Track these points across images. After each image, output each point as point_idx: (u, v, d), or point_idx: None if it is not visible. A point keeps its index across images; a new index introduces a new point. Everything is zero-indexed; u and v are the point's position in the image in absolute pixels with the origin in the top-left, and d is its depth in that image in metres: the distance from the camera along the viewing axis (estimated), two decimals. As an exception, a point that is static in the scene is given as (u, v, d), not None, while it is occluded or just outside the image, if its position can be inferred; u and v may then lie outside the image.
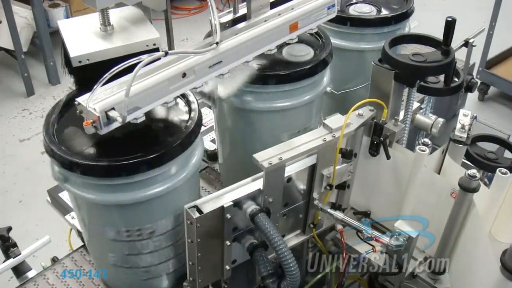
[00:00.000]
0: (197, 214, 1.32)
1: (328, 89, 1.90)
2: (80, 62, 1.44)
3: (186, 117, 1.48)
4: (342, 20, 1.95)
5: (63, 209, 1.97)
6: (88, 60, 1.44)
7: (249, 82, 1.61)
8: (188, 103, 1.51)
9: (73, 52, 1.44)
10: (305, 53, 1.73)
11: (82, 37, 1.51)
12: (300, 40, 1.75)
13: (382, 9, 2.10)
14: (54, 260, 1.86)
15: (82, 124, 1.24)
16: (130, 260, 1.54)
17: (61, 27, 1.54)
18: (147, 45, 1.48)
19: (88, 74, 1.46)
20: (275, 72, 1.64)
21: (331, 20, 1.77)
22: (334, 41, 1.94)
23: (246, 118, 1.75)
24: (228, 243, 1.39)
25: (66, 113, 1.49)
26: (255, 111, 1.70)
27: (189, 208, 1.33)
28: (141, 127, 1.38)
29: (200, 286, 1.44)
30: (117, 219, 1.45)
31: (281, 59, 1.71)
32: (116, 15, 1.56)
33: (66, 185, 1.40)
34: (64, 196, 2.00)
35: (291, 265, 1.28)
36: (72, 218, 1.91)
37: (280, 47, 1.72)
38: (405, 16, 2.04)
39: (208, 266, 1.43)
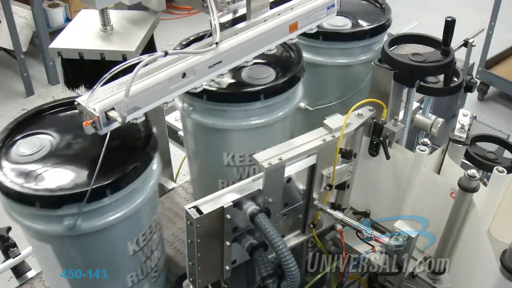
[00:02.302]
0: (197, 215, 1.31)
1: (303, 105, 1.82)
2: (59, 54, 1.47)
3: (141, 141, 1.44)
4: (314, 34, 1.80)
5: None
6: (61, 54, 1.46)
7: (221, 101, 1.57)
8: (144, 126, 1.47)
9: (53, 44, 1.46)
10: (267, 75, 1.65)
11: (79, 32, 1.52)
12: (261, 61, 1.68)
13: (359, 21, 1.99)
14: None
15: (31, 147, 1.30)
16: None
17: (78, 16, 1.56)
18: (122, 54, 1.49)
19: (80, 75, 1.48)
20: (245, 89, 1.59)
21: (303, 34, 1.70)
22: (307, 55, 1.87)
23: (218, 136, 1.70)
24: (228, 243, 1.39)
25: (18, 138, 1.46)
26: (227, 130, 1.66)
27: (189, 209, 1.33)
28: (95, 152, 1.35)
29: (200, 286, 1.44)
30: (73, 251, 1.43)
31: (243, 82, 1.63)
32: (122, 17, 1.57)
33: (14, 216, 1.39)
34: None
35: (291, 265, 1.28)
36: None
37: (239, 69, 1.64)
38: (381, 29, 1.95)
39: (208, 266, 1.43)
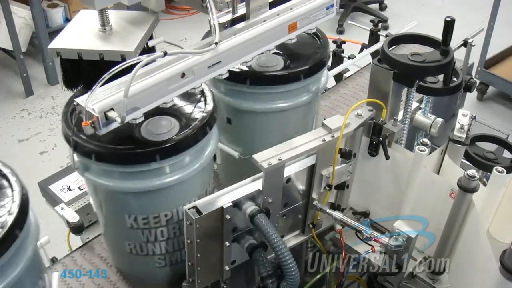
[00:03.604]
0: (197, 215, 1.31)
1: (236, 154, 1.70)
2: (58, 54, 1.44)
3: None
4: (239, 77, 1.60)
5: (53, 201, 1.94)
6: (60, 55, 1.44)
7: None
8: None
9: (52, 44, 1.45)
10: (167, 129, 1.41)
11: (78, 32, 1.51)
12: (165, 111, 1.45)
13: (292, 59, 1.71)
14: (53, 260, 1.86)
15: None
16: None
17: (77, 16, 1.55)
18: (121, 55, 1.42)
19: (78, 75, 1.48)
20: (137, 149, 1.35)
21: (228, 79, 1.52)
22: (235, 101, 1.68)
23: (116, 199, 1.50)
24: (227, 243, 1.39)
25: None
26: (124, 192, 1.45)
27: (188, 209, 1.33)
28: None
29: (199, 287, 1.44)
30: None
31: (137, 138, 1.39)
32: (122, 18, 1.56)
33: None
34: (54, 188, 1.98)
35: (290, 265, 1.28)
36: (62, 209, 1.85)
37: (139, 124, 1.37)
38: (316, 68, 1.69)
39: (207, 266, 1.43)
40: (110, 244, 1.72)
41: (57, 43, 1.46)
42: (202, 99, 1.51)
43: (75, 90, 1.54)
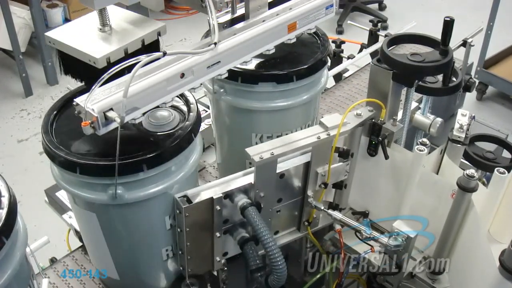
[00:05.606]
0: (186, 204, 1.33)
1: None
2: (50, 42, 1.41)
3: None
4: (239, 76, 1.59)
5: (60, 209, 1.97)
6: (52, 43, 1.42)
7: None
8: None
9: (50, 32, 1.42)
10: (168, 121, 1.41)
11: (79, 29, 1.49)
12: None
13: (293, 58, 1.69)
14: (53, 260, 1.86)
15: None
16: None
17: (88, 14, 1.52)
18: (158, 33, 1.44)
19: (72, 66, 1.46)
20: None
21: (227, 77, 1.53)
22: (235, 99, 1.67)
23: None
24: (218, 234, 1.40)
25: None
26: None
27: (178, 198, 1.35)
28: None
29: (189, 275, 1.45)
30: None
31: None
32: (127, 20, 1.54)
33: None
34: (61, 195, 1.99)
35: (278, 259, 1.29)
36: (70, 217, 1.91)
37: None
38: (317, 67, 1.66)
39: (198, 256, 1.44)
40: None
41: (54, 33, 1.43)
42: (186, 106, 1.48)
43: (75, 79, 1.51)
